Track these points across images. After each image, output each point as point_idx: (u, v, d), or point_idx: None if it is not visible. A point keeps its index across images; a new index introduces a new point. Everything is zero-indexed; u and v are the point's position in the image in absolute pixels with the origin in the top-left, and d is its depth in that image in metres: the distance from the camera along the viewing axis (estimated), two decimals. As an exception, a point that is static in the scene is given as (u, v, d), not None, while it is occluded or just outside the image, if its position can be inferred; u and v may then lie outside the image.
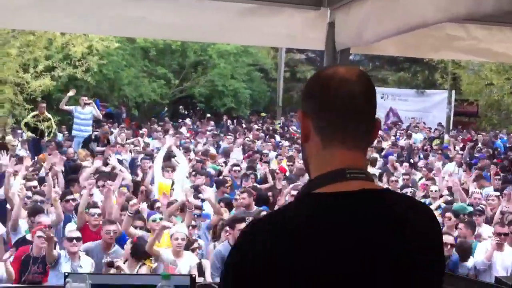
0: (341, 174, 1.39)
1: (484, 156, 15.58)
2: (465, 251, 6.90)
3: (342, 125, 1.42)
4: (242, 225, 6.20)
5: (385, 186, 10.69)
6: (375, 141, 15.39)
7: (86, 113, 14.46)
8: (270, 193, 9.46)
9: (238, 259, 1.33)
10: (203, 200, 8.03)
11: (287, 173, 11.28)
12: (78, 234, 6.14)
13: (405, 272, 1.35)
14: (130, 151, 13.19)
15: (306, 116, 1.46)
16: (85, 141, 13.84)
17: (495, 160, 14.96)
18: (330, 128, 1.43)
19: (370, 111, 1.45)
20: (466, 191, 10.20)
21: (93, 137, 13.98)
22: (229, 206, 8.27)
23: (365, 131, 1.44)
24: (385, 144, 16.77)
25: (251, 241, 1.33)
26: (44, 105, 14.09)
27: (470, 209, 8.74)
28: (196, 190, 8.69)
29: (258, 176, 11.00)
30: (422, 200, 9.48)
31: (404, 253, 1.35)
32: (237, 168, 10.97)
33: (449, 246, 6.64)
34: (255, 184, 9.92)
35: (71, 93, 14.77)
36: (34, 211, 6.84)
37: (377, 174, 11.62)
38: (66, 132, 16.52)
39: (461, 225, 7.53)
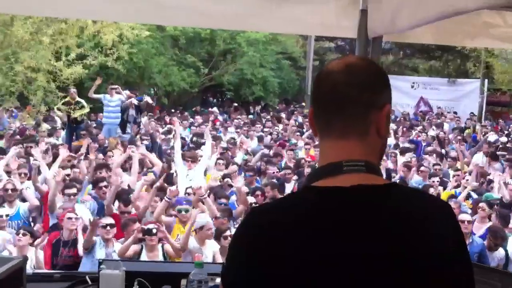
0: (338, 167, 1.40)
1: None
2: (497, 239, 6.78)
3: (326, 116, 1.45)
4: None
5: (415, 175, 10.62)
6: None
7: (114, 101, 14.63)
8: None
9: (236, 241, 1.39)
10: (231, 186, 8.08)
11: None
12: (111, 220, 6.24)
13: (398, 276, 1.29)
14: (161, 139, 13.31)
15: (311, 111, 1.51)
16: (122, 125, 14.07)
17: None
18: (321, 120, 1.48)
19: (358, 100, 1.42)
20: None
21: (123, 107, 14.17)
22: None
23: (356, 120, 1.42)
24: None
25: (247, 226, 1.38)
26: (75, 90, 14.27)
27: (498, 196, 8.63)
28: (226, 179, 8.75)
29: (283, 165, 11.03)
30: (454, 190, 9.38)
31: (398, 255, 1.30)
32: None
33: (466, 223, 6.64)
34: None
35: (98, 81, 14.95)
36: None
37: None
38: (96, 120, 16.74)
39: (493, 217, 7.42)
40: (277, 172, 10.28)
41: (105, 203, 7.24)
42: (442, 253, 1.35)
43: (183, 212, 6.74)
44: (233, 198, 8.22)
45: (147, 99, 15.46)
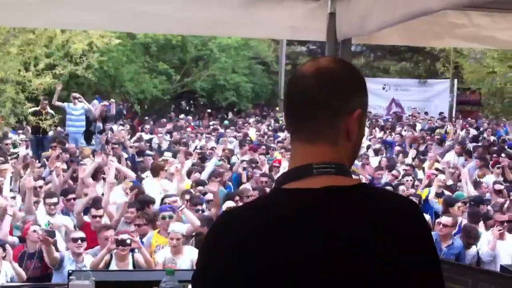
0: (308, 169, 1.39)
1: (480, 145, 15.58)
2: (470, 239, 6.87)
3: (296, 120, 1.45)
4: None
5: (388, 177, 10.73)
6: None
7: (78, 109, 14.53)
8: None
9: (207, 243, 1.37)
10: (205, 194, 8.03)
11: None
12: (82, 234, 6.09)
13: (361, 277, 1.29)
14: (130, 147, 13.18)
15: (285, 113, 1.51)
16: (86, 129, 13.93)
17: (495, 149, 14.92)
18: (292, 123, 1.47)
19: (331, 104, 1.41)
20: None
21: (91, 118, 14.04)
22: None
23: (326, 124, 1.41)
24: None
25: (217, 231, 1.37)
26: (46, 102, 14.09)
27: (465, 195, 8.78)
28: (200, 185, 8.71)
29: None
30: (426, 189, 9.50)
31: (367, 255, 1.29)
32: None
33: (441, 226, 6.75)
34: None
35: (59, 87, 14.79)
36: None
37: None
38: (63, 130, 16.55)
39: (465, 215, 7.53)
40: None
41: (75, 214, 7.11)
42: (410, 252, 1.34)
43: (167, 219, 6.66)
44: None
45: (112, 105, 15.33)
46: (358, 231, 1.32)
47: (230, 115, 24.59)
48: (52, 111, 14.22)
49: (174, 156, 11.42)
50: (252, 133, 17.58)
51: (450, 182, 9.83)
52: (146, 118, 21.46)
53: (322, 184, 1.35)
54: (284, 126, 19.36)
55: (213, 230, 1.40)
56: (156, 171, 9.27)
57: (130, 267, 5.83)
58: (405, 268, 1.32)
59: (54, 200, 7.12)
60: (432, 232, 6.75)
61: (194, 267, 5.05)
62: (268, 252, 1.28)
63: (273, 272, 1.27)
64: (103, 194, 7.86)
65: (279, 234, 1.30)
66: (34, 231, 6.05)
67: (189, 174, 9.92)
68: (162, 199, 7.81)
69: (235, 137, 16.54)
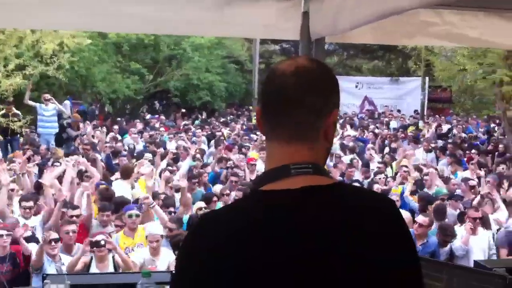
0: (285, 170, 1.38)
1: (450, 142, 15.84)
2: (447, 237, 6.95)
3: (274, 118, 1.43)
4: None
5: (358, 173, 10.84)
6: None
7: (49, 110, 14.36)
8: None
9: (185, 245, 1.37)
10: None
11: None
12: (55, 235, 6.03)
13: (340, 275, 1.29)
14: (104, 148, 13.02)
15: (259, 111, 1.48)
16: (59, 132, 13.74)
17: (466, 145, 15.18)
18: (269, 122, 1.44)
19: (307, 105, 1.40)
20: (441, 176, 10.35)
21: (65, 124, 13.88)
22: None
23: (305, 124, 1.41)
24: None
25: (195, 233, 1.37)
26: (11, 103, 13.86)
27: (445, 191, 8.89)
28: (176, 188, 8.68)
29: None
30: (401, 187, 9.60)
31: (343, 255, 1.30)
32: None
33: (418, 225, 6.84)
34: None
35: (29, 86, 14.66)
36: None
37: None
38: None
39: (429, 212, 7.62)
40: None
41: (52, 218, 6.97)
42: (386, 251, 1.34)
43: (134, 217, 6.61)
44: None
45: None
46: (334, 231, 1.32)
47: (204, 114, 24.48)
48: (19, 112, 13.99)
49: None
50: (226, 132, 17.56)
51: (415, 175, 9.91)
52: (119, 118, 21.24)
53: (300, 185, 1.35)
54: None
55: (191, 232, 1.39)
56: (127, 173, 9.17)
57: (111, 268, 5.78)
58: (380, 267, 1.32)
59: (30, 203, 7.03)
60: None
61: (171, 269, 5.05)
62: (244, 255, 1.27)
63: (249, 275, 1.26)
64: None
65: (256, 237, 1.29)
66: (1, 235, 5.93)
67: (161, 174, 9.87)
68: (135, 201, 7.76)
69: (207, 136, 16.48)
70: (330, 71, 1.50)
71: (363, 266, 1.31)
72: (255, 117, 1.55)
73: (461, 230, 7.10)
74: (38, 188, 8.17)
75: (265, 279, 1.26)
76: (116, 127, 17.47)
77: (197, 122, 21.44)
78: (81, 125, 15.88)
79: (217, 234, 1.31)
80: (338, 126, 17.87)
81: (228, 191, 8.86)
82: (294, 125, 1.41)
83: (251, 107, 26.69)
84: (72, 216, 6.74)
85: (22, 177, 8.58)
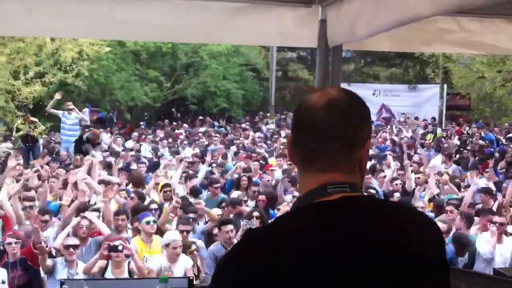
0: (322, 189, 1.40)
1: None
2: (463, 245, 6.87)
3: (308, 151, 1.44)
4: (228, 227, 6.49)
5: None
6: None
7: (72, 118, 14.49)
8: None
9: (231, 266, 1.35)
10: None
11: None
12: (75, 241, 6.09)
13: (385, 280, 1.32)
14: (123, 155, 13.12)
15: (291, 141, 1.50)
16: (77, 142, 13.85)
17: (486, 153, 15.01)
18: (302, 154, 1.46)
19: (344, 136, 1.42)
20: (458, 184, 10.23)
21: (84, 138, 13.96)
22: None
23: (338, 156, 1.42)
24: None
25: (242, 252, 1.35)
26: (27, 114, 13.97)
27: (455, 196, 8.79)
28: (192, 194, 8.69)
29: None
30: (418, 194, 9.51)
31: (393, 261, 1.33)
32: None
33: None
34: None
35: (58, 96, 14.73)
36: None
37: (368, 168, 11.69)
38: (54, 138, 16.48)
39: (457, 219, 7.53)
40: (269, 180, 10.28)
41: (67, 220, 7.05)
42: (428, 262, 1.39)
43: (151, 223, 6.62)
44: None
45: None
46: (376, 244, 1.34)
47: (221, 122, 24.54)
48: (36, 120, 14.13)
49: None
50: (242, 140, 17.59)
51: (436, 191, 9.83)
52: (141, 126, 21.34)
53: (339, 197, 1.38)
54: (274, 134, 19.40)
55: (234, 248, 1.39)
56: (138, 181, 9.20)
57: (125, 274, 5.81)
58: (425, 277, 1.37)
59: (46, 217, 7.12)
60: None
61: (188, 275, 5.05)
62: (294, 270, 1.28)
63: (303, 282, 1.28)
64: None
65: (301, 248, 1.30)
66: (9, 243, 6.01)
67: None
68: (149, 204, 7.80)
69: (224, 143, 16.50)
70: (361, 101, 1.50)
71: (411, 275, 1.35)
72: (287, 145, 1.55)
73: (486, 235, 6.99)
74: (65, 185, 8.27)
75: (320, 283, 1.28)
76: (135, 134, 17.57)
77: (221, 129, 21.46)
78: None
79: (261, 254, 1.31)
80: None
81: (245, 198, 8.88)
82: (328, 157, 1.42)
83: (267, 114, 26.69)
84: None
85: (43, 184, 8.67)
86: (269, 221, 5.53)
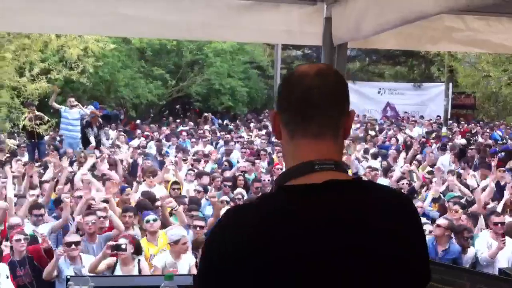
0: (309, 166, 1.44)
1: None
2: (465, 240, 6.86)
3: (301, 118, 1.48)
4: None
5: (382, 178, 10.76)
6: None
7: (73, 113, 14.49)
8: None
9: (211, 241, 1.40)
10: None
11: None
12: (77, 238, 6.08)
13: (360, 266, 1.34)
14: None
15: (276, 114, 1.54)
16: (83, 136, 13.91)
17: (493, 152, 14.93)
18: (292, 122, 1.50)
19: (333, 104, 1.48)
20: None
21: (84, 123, 14.02)
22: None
23: (329, 122, 1.48)
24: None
25: (222, 225, 1.40)
26: (34, 107, 14.03)
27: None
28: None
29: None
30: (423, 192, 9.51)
31: (365, 247, 1.35)
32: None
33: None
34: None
35: (55, 89, 14.79)
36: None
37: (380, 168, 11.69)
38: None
39: (463, 217, 7.51)
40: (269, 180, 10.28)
41: (75, 217, 7.06)
42: (405, 245, 1.42)
43: (151, 221, 6.63)
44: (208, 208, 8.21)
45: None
46: (356, 224, 1.37)
47: (226, 119, 24.56)
48: (42, 114, 14.16)
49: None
50: (247, 137, 17.60)
51: (442, 188, 9.81)
52: (143, 122, 21.40)
53: (323, 180, 1.40)
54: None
55: (217, 225, 1.42)
56: (149, 176, 9.22)
57: (135, 271, 5.81)
58: (397, 260, 1.39)
59: (41, 211, 7.15)
60: (429, 237, 6.77)
61: (192, 272, 5.04)
62: (268, 246, 1.31)
63: (272, 265, 1.29)
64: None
65: (281, 228, 1.33)
66: (18, 240, 6.01)
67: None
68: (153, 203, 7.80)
69: (229, 141, 16.52)
70: (342, 76, 1.59)
71: (381, 259, 1.36)
72: (271, 120, 1.59)
73: (486, 237, 6.97)
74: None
75: (301, 267, 1.30)
76: (139, 131, 17.60)
77: (230, 127, 21.49)
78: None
79: (243, 225, 1.35)
80: (361, 133, 17.91)
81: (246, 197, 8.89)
82: (323, 123, 1.48)
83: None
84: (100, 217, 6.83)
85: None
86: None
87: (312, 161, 1.44)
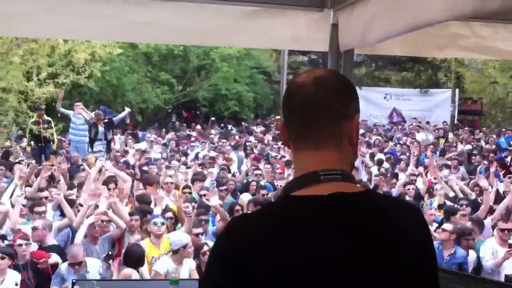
0: (315, 177, 1.43)
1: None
2: (468, 240, 6.87)
3: (301, 128, 1.48)
4: None
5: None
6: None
7: (81, 118, 14.55)
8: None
9: (218, 249, 1.41)
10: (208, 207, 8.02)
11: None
12: (79, 257, 5.86)
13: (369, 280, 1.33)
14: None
15: (283, 124, 1.54)
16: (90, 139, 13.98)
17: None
18: (294, 132, 1.50)
19: (331, 111, 1.46)
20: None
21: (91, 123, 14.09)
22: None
23: (329, 131, 1.46)
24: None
25: (226, 235, 1.40)
26: (42, 111, 14.08)
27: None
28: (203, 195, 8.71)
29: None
30: (429, 200, 9.48)
31: (370, 257, 1.34)
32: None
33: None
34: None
35: (61, 93, 14.83)
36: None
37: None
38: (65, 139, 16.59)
39: (468, 223, 7.50)
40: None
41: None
42: (414, 255, 1.40)
43: (159, 224, 6.65)
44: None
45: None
46: (361, 236, 1.36)
47: (232, 124, 24.57)
48: (50, 119, 14.22)
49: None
50: (254, 142, 17.61)
51: (452, 194, 9.79)
52: (149, 127, 21.44)
53: (329, 191, 1.39)
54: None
55: (221, 234, 1.43)
56: (150, 183, 9.24)
57: (136, 275, 5.81)
58: (409, 273, 1.38)
59: (42, 208, 7.19)
60: (435, 241, 6.77)
61: (193, 277, 5.04)
62: (270, 256, 1.31)
63: (274, 276, 1.30)
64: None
65: (284, 239, 1.33)
66: (20, 245, 6.03)
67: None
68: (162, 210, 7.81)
69: (235, 146, 16.54)
70: (346, 79, 1.57)
71: (393, 272, 1.36)
72: (279, 131, 1.59)
73: (491, 243, 6.95)
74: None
75: (301, 277, 1.30)
76: (147, 135, 17.65)
77: (233, 132, 21.49)
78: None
79: (246, 234, 1.35)
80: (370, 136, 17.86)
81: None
82: (322, 132, 1.46)
83: (278, 117, 26.67)
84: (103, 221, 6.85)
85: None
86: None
87: (317, 172, 1.43)
